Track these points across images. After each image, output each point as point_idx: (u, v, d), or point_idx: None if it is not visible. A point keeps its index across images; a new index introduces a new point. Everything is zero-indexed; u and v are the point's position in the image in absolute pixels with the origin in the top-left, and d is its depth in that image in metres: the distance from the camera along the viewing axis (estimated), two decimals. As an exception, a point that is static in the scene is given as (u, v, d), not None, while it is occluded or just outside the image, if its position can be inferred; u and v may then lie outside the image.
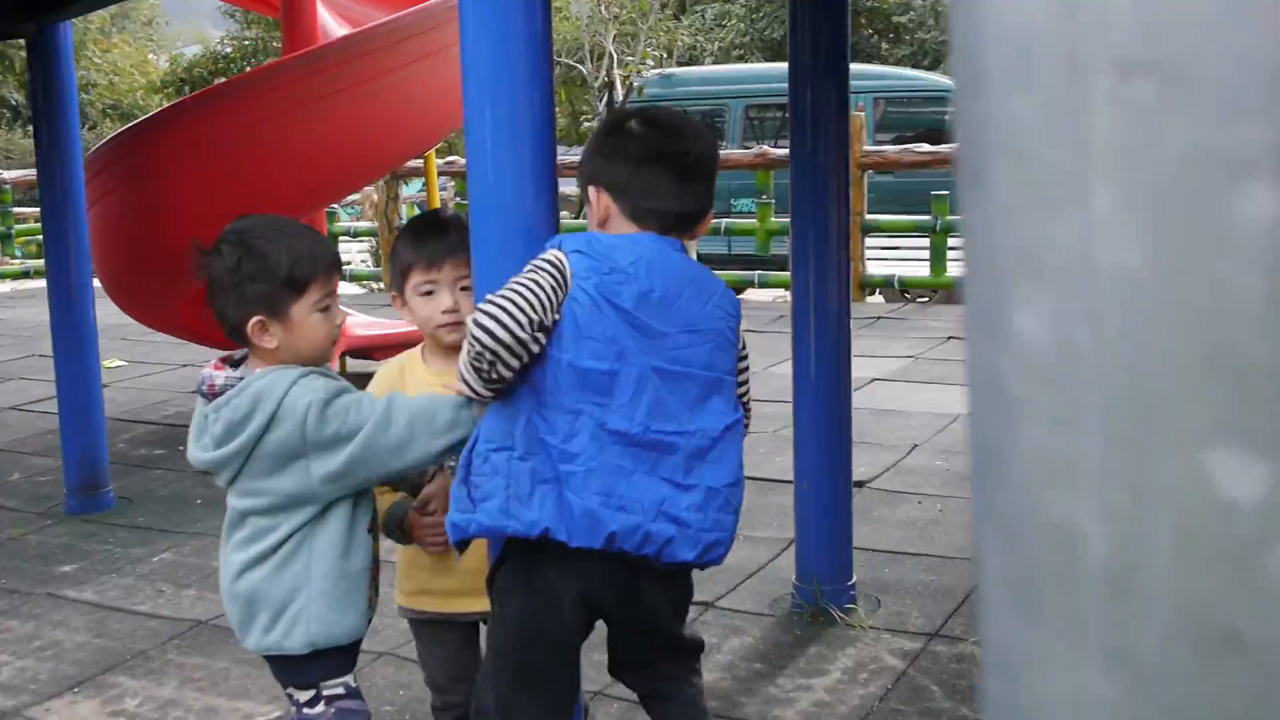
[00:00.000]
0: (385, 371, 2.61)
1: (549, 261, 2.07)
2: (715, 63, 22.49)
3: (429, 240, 2.47)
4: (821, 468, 3.73)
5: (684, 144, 2.19)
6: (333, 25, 6.34)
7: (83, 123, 26.43)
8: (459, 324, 2.38)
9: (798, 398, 3.75)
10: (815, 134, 3.54)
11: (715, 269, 9.48)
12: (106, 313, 6.08)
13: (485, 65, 2.22)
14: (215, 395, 2.25)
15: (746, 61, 22.62)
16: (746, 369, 2.27)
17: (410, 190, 15.37)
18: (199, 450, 2.29)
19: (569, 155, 11.70)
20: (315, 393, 2.21)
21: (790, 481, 4.89)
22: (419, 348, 2.60)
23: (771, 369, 7.34)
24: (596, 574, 2.11)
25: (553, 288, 2.03)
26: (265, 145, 5.26)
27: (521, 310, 1.98)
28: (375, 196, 15.47)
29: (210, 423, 2.25)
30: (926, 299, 10.85)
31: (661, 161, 2.16)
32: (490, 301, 2.01)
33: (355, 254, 14.04)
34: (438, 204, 6.42)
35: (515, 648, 2.17)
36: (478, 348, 1.98)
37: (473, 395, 2.08)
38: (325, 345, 2.34)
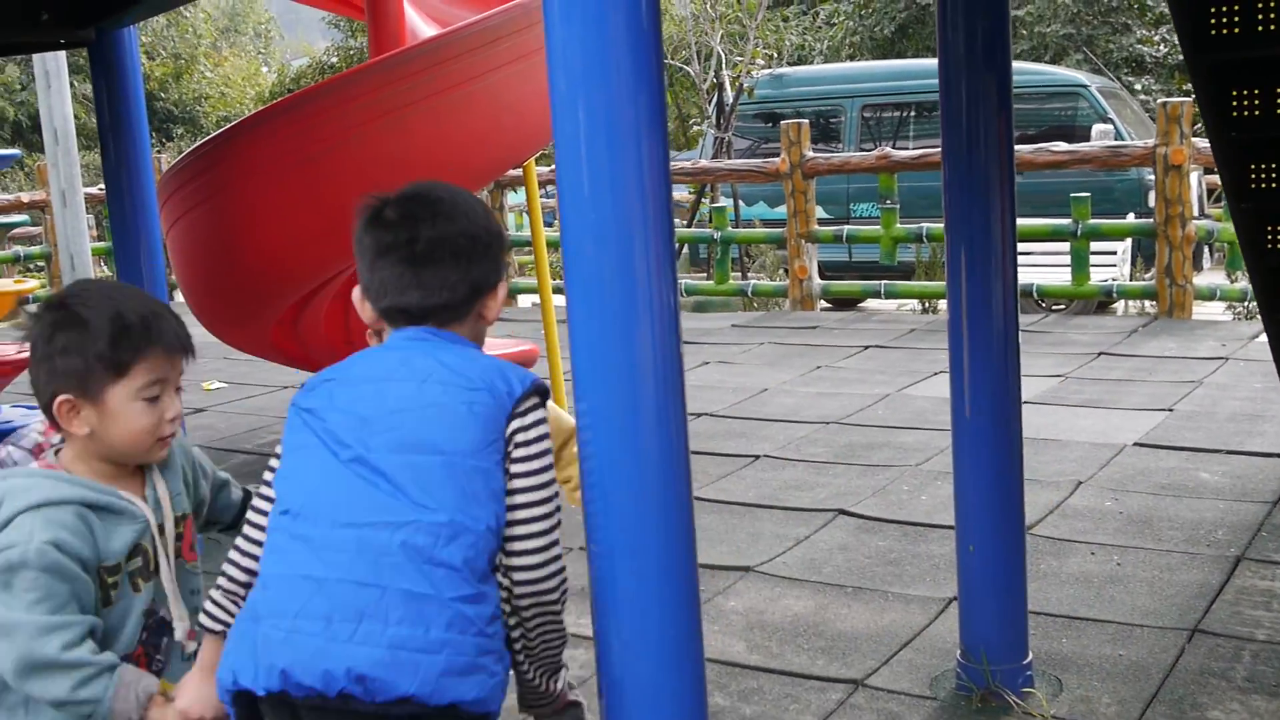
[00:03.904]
0: None
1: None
2: (825, 62, 21.84)
3: None
4: (989, 521, 3.14)
5: (413, 230, 1.93)
6: (422, 27, 5.87)
7: (195, 134, 26.68)
8: None
9: (958, 437, 3.17)
10: (971, 132, 3.04)
11: (834, 277, 8.87)
12: (205, 331, 5.72)
13: (576, 55, 1.71)
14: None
15: (856, 60, 21.93)
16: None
17: (518, 198, 15.01)
18: None
19: (676, 161, 11.17)
20: (27, 542, 1.87)
21: (943, 526, 4.36)
22: None
23: (907, 390, 6.73)
24: None
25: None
26: (346, 157, 4.78)
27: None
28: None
29: None
30: (1063, 307, 10.13)
31: (389, 254, 1.94)
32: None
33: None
34: (539, 215, 5.90)
35: None
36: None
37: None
38: (144, 442, 2.00)
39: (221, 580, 1.96)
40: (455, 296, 1.94)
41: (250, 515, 1.95)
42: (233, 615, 1.91)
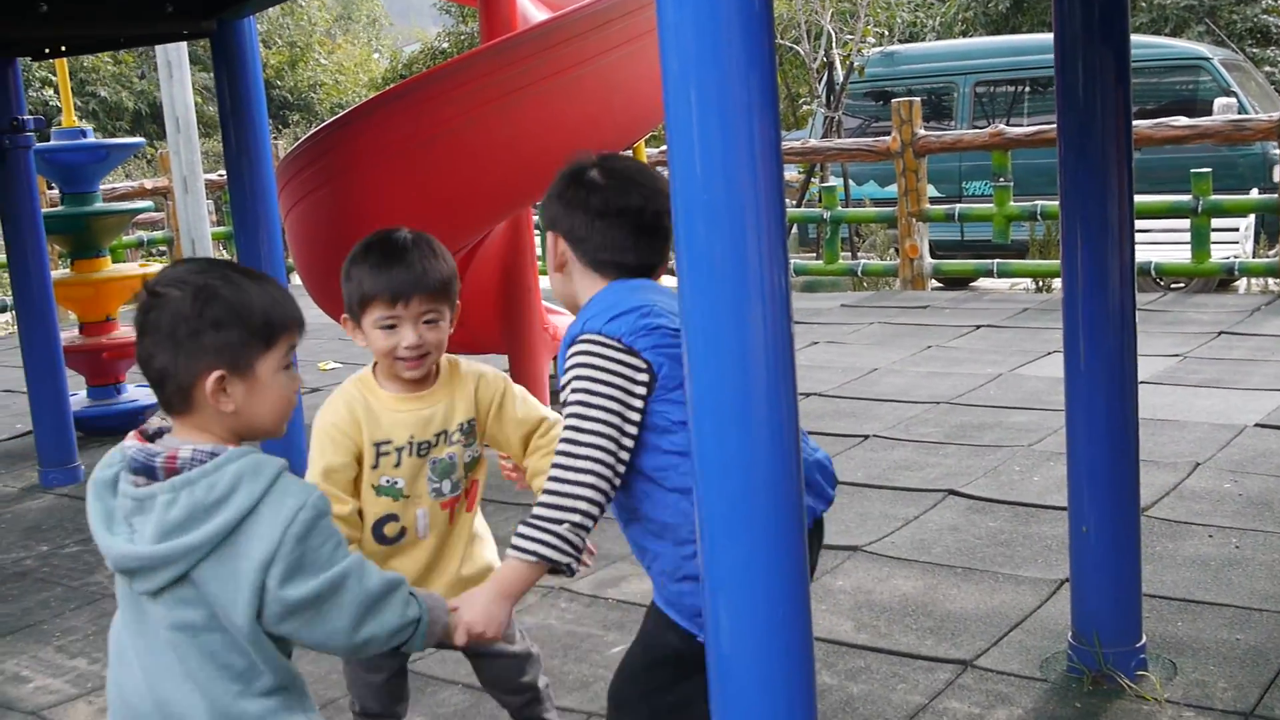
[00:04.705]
0: (344, 402, 2.48)
1: (608, 355, 2.13)
2: (937, 39, 21.54)
3: (392, 271, 2.38)
4: (1103, 502, 3.10)
5: (641, 201, 2.26)
6: (532, 11, 5.92)
7: (310, 121, 27.07)
8: (421, 359, 2.43)
9: (1072, 417, 3.14)
10: (1088, 108, 2.99)
11: (946, 257, 8.78)
12: (322, 312, 5.85)
13: (689, 37, 1.73)
14: (175, 471, 1.82)
15: (969, 36, 21.61)
16: None
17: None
18: (126, 542, 1.82)
19: (786, 141, 11.12)
20: (308, 495, 1.82)
21: (1055, 507, 4.31)
22: (369, 371, 2.52)
23: (1020, 370, 6.66)
24: None
25: (624, 390, 2.11)
26: (458, 142, 4.86)
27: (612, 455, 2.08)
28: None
29: (164, 505, 1.80)
30: (1182, 285, 9.91)
31: (620, 216, 2.25)
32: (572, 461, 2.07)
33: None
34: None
35: None
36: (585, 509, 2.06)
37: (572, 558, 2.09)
38: (286, 414, 1.93)
39: (565, 514, 2.07)
40: (659, 260, 2.31)
41: (608, 452, 2.09)
42: (580, 550, 2.07)
